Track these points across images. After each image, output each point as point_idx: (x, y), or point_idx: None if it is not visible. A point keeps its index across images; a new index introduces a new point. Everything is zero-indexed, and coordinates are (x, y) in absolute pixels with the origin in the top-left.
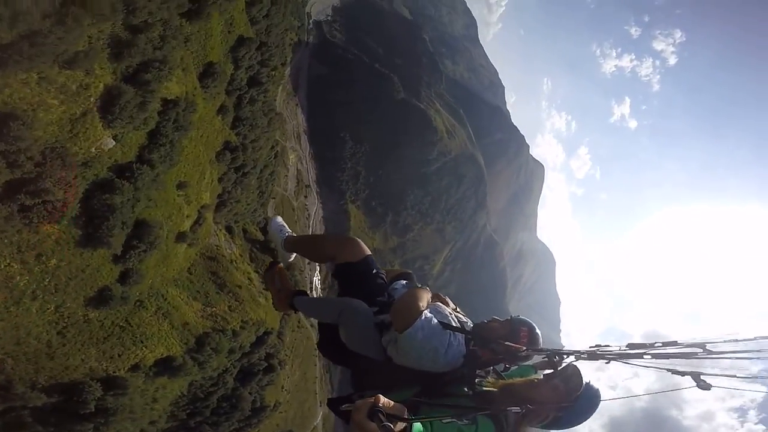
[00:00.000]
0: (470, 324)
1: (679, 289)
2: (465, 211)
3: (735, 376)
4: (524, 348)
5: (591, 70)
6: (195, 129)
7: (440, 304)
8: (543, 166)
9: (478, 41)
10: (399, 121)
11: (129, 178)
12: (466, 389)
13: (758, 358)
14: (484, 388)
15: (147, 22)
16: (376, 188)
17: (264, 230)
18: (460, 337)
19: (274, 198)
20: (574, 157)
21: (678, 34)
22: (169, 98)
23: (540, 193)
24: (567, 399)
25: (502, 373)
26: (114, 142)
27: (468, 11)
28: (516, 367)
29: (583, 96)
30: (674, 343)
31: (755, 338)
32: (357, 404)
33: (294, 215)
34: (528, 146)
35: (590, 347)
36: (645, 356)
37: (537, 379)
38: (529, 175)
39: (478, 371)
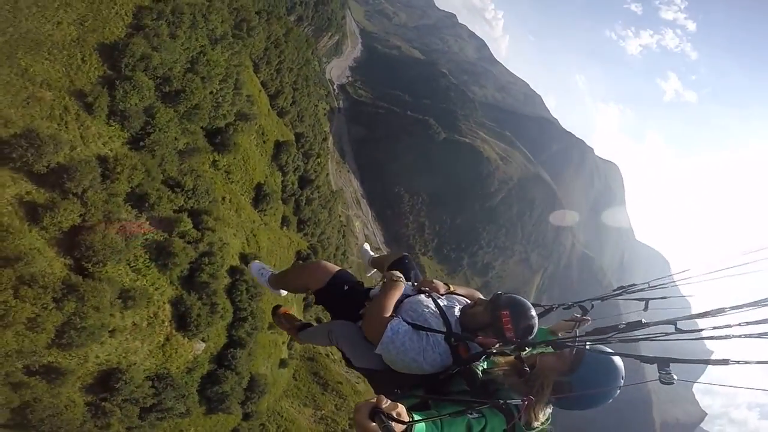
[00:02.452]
0: (458, 310)
1: None
2: (546, 235)
3: (709, 362)
4: (497, 344)
5: (617, 55)
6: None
7: (421, 297)
8: (615, 164)
9: (495, 59)
10: (448, 162)
11: (228, 366)
12: (464, 385)
13: (734, 336)
14: (490, 376)
15: (180, 212)
16: (444, 235)
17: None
18: (438, 336)
19: (350, 267)
20: (646, 145)
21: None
22: (234, 265)
23: (623, 192)
24: (569, 364)
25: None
26: (204, 343)
27: (473, 34)
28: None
29: (624, 82)
30: (639, 324)
31: (726, 310)
32: (357, 405)
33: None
34: (591, 149)
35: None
36: (611, 341)
37: (545, 352)
38: (603, 178)
39: (476, 361)
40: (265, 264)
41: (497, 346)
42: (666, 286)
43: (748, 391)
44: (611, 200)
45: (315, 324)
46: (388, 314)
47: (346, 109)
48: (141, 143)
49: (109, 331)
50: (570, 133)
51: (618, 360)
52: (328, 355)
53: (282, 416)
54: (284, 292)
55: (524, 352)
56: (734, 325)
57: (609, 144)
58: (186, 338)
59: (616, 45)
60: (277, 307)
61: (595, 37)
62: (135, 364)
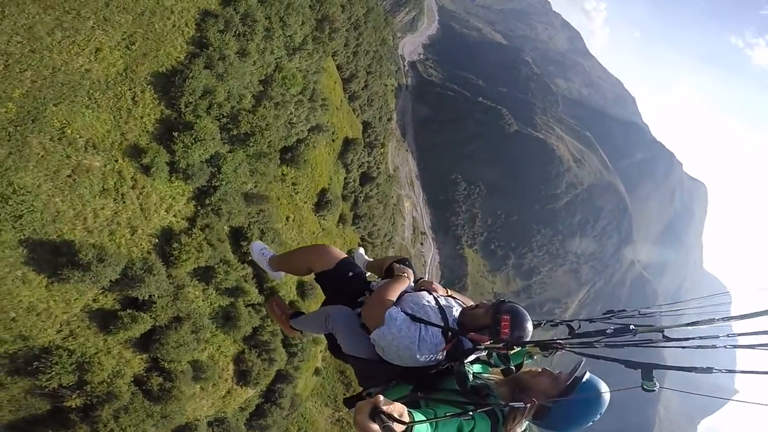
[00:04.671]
0: (456, 310)
1: None
2: (606, 249)
3: (693, 369)
4: (487, 341)
5: (739, 64)
6: None
7: (423, 293)
8: (704, 184)
9: (589, 53)
10: (516, 156)
11: (274, 402)
12: (456, 384)
13: (720, 346)
14: (481, 381)
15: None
16: (496, 230)
17: None
18: (435, 329)
19: (393, 248)
20: (751, 169)
21: None
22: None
23: (704, 217)
24: (561, 389)
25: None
26: (257, 386)
27: (567, 24)
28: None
29: (741, 95)
30: (627, 330)
31: (715, 319)
32: (358, 405)
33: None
34: (680, 164)
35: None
36: (596, 345)
37: (542, 368)
38: (686, 198)
39: (472, 359)
40: (266, 244)
41: (488, 343)
42: (654, 315)
43: None
44: (689, 224)
45: (306, 312)
46: (390, 302)
47: (413, 87)
48: (207, 200)
49: (187, 396)
50: (659, 143)
51: (606, 395)
52: None
53: (304, 417)
54: (283, 274)
55: (512, 351)
56: (722, 336)
57: (704, 159)
58: (243, 390)
59: (740, 53)
60: (269, 296)
61: (714, 42)
62: (200, 418)
